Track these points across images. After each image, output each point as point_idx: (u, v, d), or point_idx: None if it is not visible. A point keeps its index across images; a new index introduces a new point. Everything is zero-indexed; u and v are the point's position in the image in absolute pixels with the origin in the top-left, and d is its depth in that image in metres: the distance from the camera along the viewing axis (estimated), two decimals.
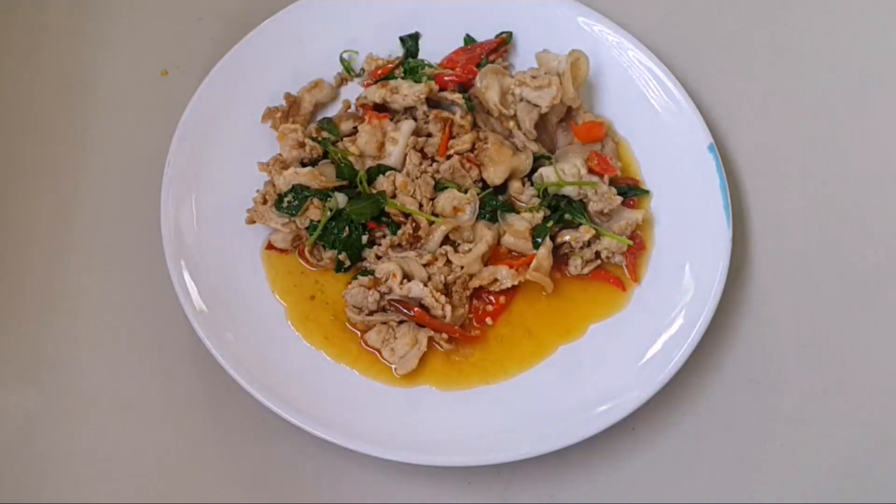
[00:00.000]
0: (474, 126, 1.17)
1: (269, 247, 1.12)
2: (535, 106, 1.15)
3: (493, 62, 1.23)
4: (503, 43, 1.24)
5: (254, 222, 1.12)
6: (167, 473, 1.06)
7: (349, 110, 1.21)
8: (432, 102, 1.17)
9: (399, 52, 1.25)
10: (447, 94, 1.16)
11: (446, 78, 1.17)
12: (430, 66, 1.22)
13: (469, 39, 1.26)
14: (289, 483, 1.05)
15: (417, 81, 1.17)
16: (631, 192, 1.17)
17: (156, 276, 1.11)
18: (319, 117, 1.21)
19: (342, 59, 1.23)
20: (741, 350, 1.12)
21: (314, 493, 1.04)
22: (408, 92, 1.15)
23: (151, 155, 1.16)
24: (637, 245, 1.13)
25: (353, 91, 1.24)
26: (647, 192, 1.18)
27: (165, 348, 1.11)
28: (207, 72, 1.19)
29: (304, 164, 1.15)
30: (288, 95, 1.20)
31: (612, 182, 1.15)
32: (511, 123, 1.14)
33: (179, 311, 1.05)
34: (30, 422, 1.07)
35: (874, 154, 1.23)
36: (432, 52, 1.25)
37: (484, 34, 1.26)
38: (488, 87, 1.14)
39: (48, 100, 1.25)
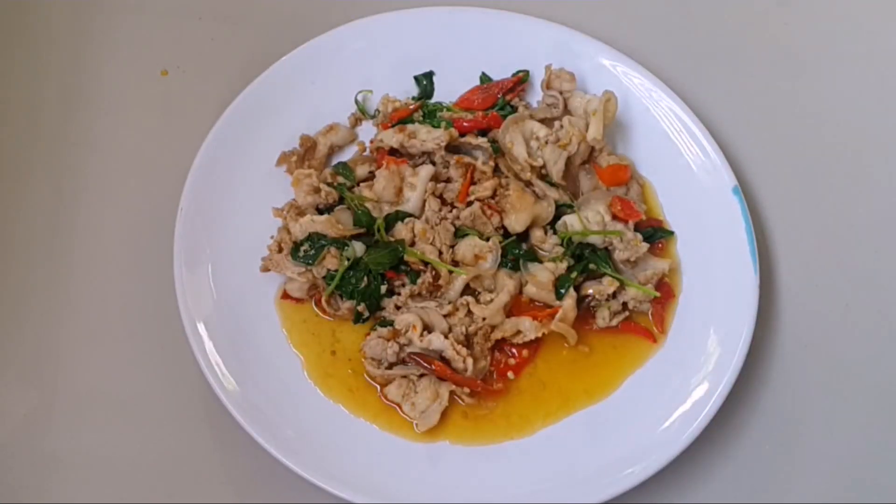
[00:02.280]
0: (496, 171, 1.14)
1: (285, 296, 1.09)
2: (563, 151, 1.12)
3: (509, 101, 1.20)
4: (520, 82, 1.21)
5: (268, 270, 1.09)
6: (167, 474, 1.04)
7: (364, 153, 1.18)
8: (451, 147, 1.14)
9: (414, 90, 1.22)
10: (469, 140, 1.13)
11: (465, 123, 1.14)
12: (448, 108, 1.19)
13: (485, 78, 1.23)
14: None
15: (435, 126, 1.14)
16: (657, 234, 1.14)
17: (157, 276, 1.10)
18: (335, 160, 1.18)
19: (356, 101, 1.20)
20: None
21: None
22: (426, 138, 1.12)
23: (151, 155, 1.15)
24: (665, 293, 1.10)
25: (367, 131, 1.21)
26: (671, 233, 1.15)
27: (166, 348, 1.09)
28: (207, 72, 1.18)
29: (319, 210, 1.12)
30: (305, 138, 1.16)
31: (636, 225, 1.12)
32: (528, 175, 1.11)
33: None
34: (30, 422, 1.06)
35: None
36: (447, 89, 1.22)
37: (500, 72, 1.23)
38: (514, 141, 1.11)
39: (48, 100, 1.24)
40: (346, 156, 1.19)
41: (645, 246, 1.10)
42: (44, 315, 1.12)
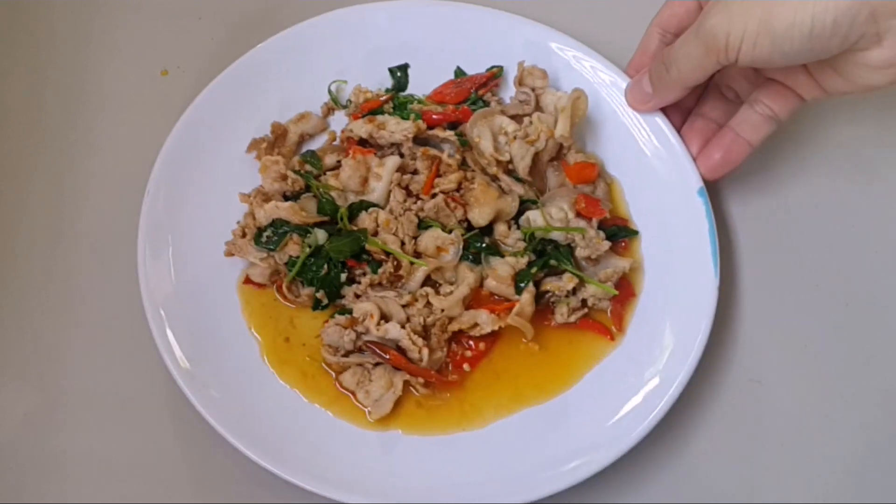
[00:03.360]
0: (463, 164, 1.14)
1: (247, 280, 1.10)
2: (530, 147, 1.13)
3: (481, 96, 1.21)
4: (493, 77, 1.22)
5: (232, 254, 1.10)
6: (168, 473, 1.05)
7: (334, 143, 1.19)
8: (420, 139, 1.15)
9: (388, 82, 1.23)
10: (437, 133, 1.14)
11: (434, 116, 1.15)
12: (419, 101, 1.20)
13: (459, 72, 1.23)
14: None
15: (405, 118, 1.15)
16: (620, 233, 1.15)
17: None
18: (306, 148, 1.19)
19: (330, 91, 1.21)
20: (740, 355, 1.12)
21: None
22: (395, 129, 1.12)
23: (151, 155, 1.14)
24: (625, 292, 1.11)
25: (340, 121, 1.21)
26: (636, 232, 1.15)
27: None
28: (207, 72, 1.17)
29: (286, 197, 1.13)
30: (276, 125, 1.17)
31: (601, 224, 1.13)
32: (494, 169, 1.12)
33: None
34: (30, 421, 1.07)
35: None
36: (422, 82, 1.23)
37: (475, 66, 1.23)
38: (481, 135, 1.12)
39: (48, 99, 1.25)
40: (318, 144, 1.20)
41: (606, 244, 1.10)
42: (44, 315, 1.12)
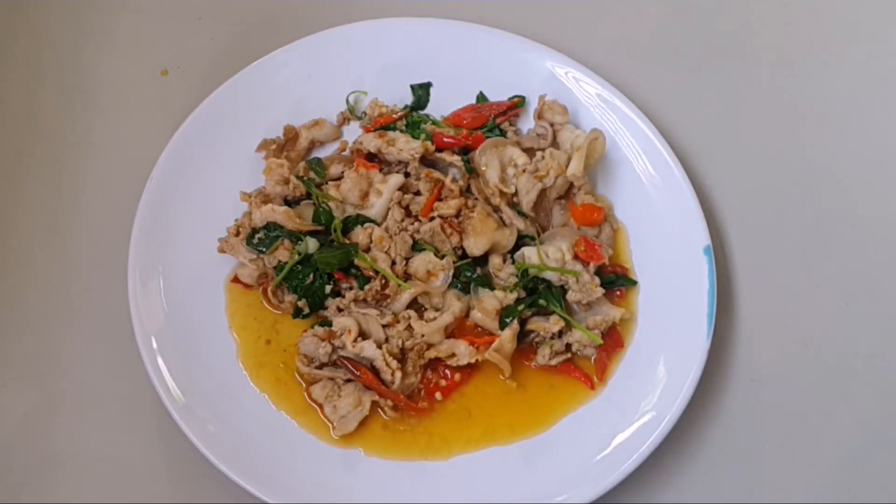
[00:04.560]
0: (467, 190, 1.13)
1: (235, 279, 1.10)
2: (537, 182, 1.11)
3: (499, 125, 1.19)
4: (514, 107, 1.20)
5: (224, 252, 1.09)
6: (168, 473, 1.05)
7: (343, 153, 1.18)
8: (428, 161, 1.14)
9: (408, 98, 1.22)
10: (445, 156, 1.12)
11: (445, 139, 1.14)
12: (434, 122, 1.19)
13: (482, 97, 1.22)
14: None
15: (416, 137, 1.14)
16: (618, 281, 1.12)
17: None
18: (316, 155, 1.19)
19: (347, 101, 1.20)
20: (740, 355, 1.12)
21: None
22: (403, 147, 1.12)
23: (151, 155, 1.14)
24: (613, 342, 1.08)
25: (354, 132, 1.21)
26: (634, 282, 1.12)
27: None
28: (207, 72, 1.17)
29: (288, 202, 1.12)
30: (288, 128, 1.17)
31: (599, 270, 1.10)
32: (498, 200, 1.10)
33: None
34: (30, 421, 1.07)
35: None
36: (443, 103, 1.22)
37: (499, 94, 1.22)
38: (488, 164, 1.11)
39: (49, 99, 1.25)
40: (329, 153, 1.20)
41: (600, 291, 1.07)
42: (44, 315, 1.12)
